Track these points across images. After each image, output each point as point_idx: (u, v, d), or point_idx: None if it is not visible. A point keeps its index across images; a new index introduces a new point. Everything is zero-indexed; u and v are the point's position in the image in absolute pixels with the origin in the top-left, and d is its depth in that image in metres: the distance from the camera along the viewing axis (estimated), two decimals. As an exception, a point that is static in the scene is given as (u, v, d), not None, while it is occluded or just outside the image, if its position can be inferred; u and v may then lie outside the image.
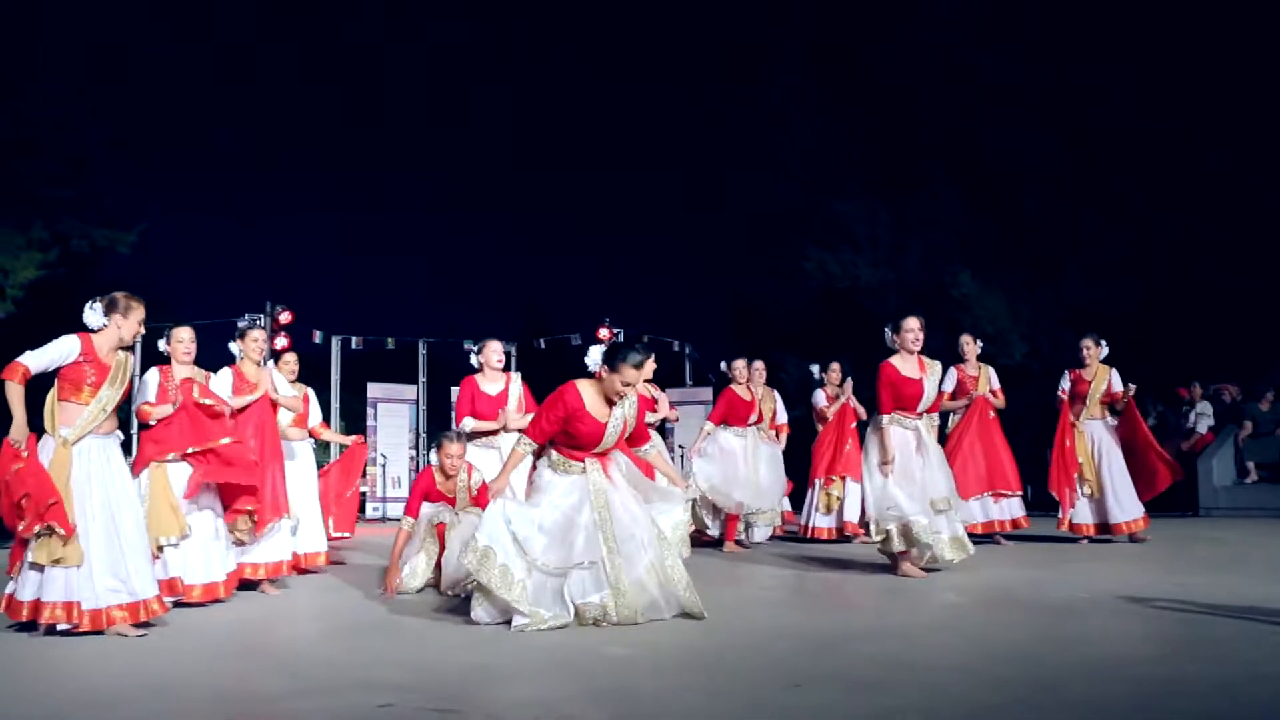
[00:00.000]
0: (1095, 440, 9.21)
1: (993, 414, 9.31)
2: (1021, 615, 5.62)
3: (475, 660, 4.70)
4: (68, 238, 17.70)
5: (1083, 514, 9.12)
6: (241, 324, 7.39)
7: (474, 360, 7.84)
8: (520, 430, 6.57)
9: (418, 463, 16.01)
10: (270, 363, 8.01)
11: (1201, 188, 17.29)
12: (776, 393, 9.93)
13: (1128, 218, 17.88)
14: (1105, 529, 9.09)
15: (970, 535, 8.11)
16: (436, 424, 15.83)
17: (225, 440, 6.18)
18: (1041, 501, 10.08)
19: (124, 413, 5.85)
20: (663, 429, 8.89)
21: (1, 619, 5.52)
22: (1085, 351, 9.25)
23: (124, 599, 5.34)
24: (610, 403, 5.54)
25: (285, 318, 14.23)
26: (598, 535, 5.43)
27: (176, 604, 5.98)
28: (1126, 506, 9.07)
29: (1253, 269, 16.67)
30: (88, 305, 5.53)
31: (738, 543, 9.12)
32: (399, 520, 7.32)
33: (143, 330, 5.68)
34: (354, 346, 15.52)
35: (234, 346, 7.20)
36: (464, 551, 5.45)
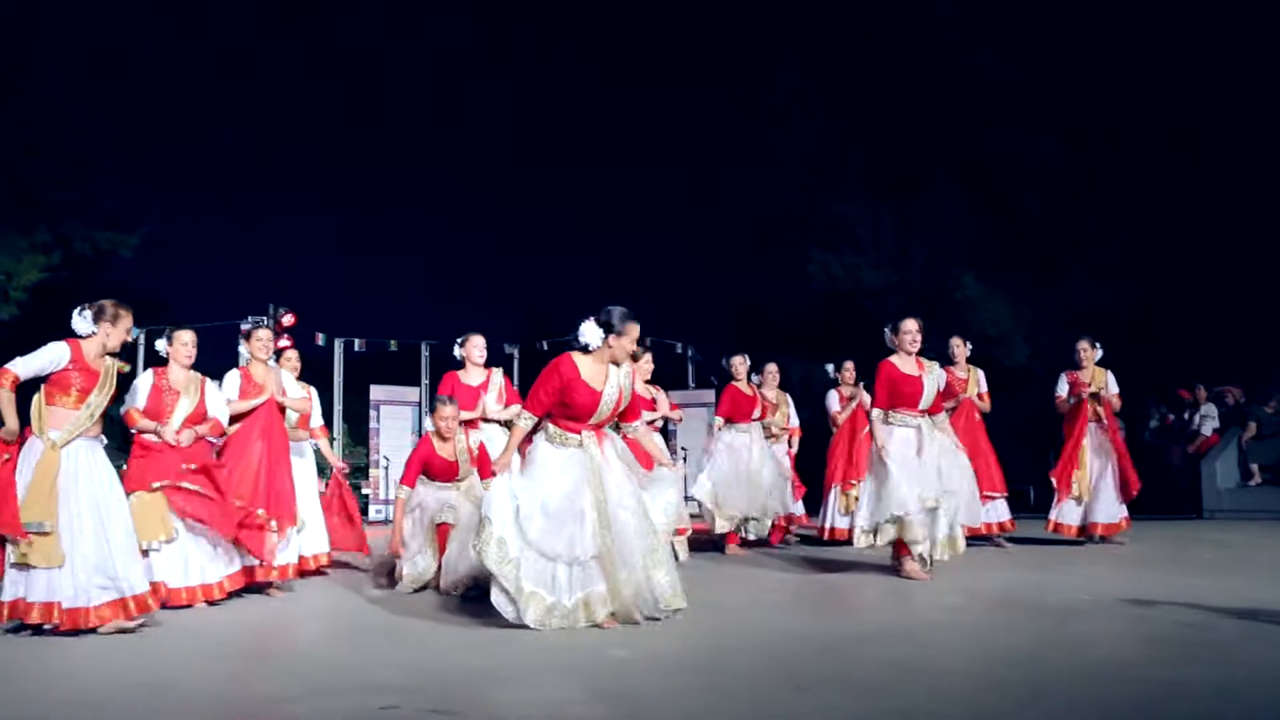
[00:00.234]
0: (1092, 443, 9.26)
1: (978, 416, 9.34)
2: (1024, 617, 5.62)
3: (478, 662, 4.70)
4: (71, 240, 17.72)
5: (1069, 515, 9.14)
6: (246, 325, 7.34)
7: (457, 353, 7.94)
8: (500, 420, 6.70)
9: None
10: (273, 363, 7.97)
11: (1203, 188, 17.26)
12: (788, 395, 9.92)
13: (1130, 219, 17.85)
14: (1084, 530, 9.12)
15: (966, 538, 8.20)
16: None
17: (192, 479, 6.20)
18: (1045, 503, 10.07)
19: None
20: (666, 430, 8.86)
21: None
22: (1081, 354, 9.31)
23: (112, 595, 5.38)
24: (605, 374, 5.62)
25: (288, 320, 14.23)
26: (597, 528, 5.43)
27: (162, 606, 5.98)
28: (1109, 509, 9.12)
29: (1256, 270, 16.65)
30: (76, 312, 5.60)
31: (742, 543, 9.10)
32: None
33: (130, 338, 5.76)
34: (357, 348, 15.52)
35: (242, 348, 7.17)
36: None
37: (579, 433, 5.60)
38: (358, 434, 16.65)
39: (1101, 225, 18.08)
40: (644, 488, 5.72)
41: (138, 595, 5.47)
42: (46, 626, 5.33)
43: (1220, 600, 5.70)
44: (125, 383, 6.13)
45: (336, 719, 3.68)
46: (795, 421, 9.88)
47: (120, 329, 5.64)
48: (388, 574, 7.41)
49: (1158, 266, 17.60)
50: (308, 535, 7.34)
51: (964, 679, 4.12)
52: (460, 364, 7.92)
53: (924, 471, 7.20)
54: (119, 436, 7.28)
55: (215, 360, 7.29)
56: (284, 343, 13.60)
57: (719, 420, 9.23)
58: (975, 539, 8.77)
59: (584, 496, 5.48)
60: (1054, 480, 9.15)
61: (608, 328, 5.56)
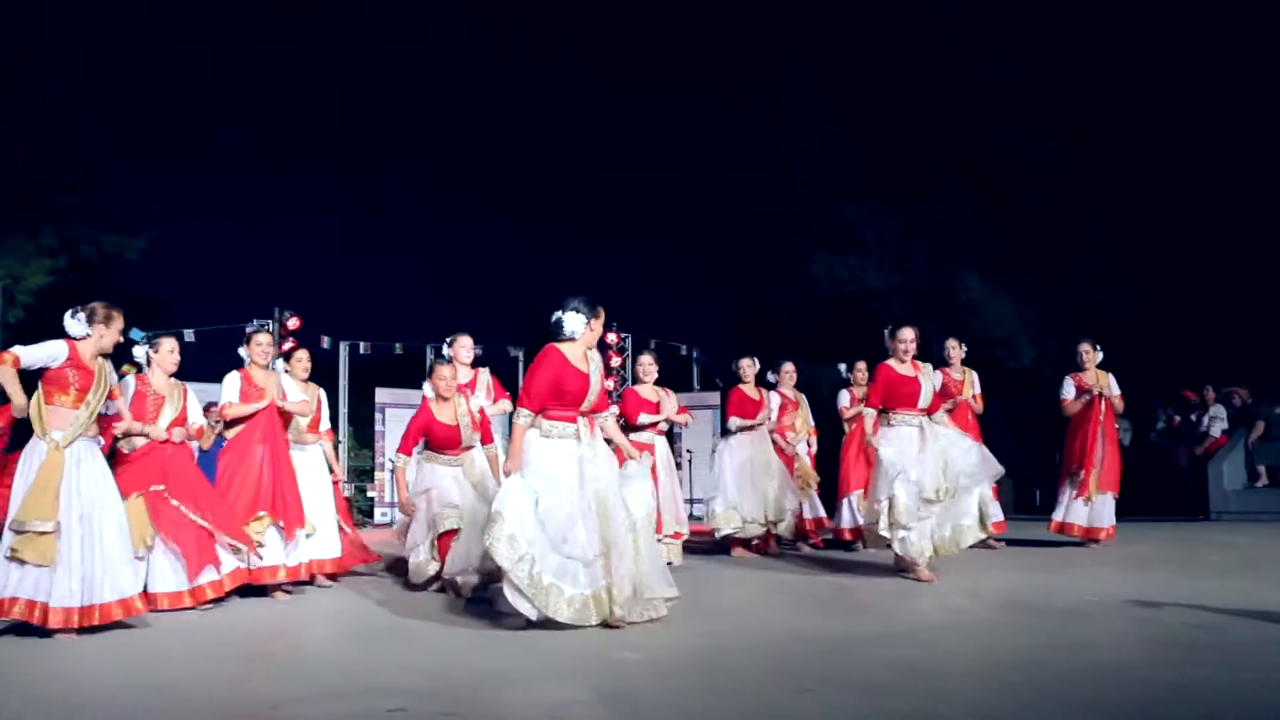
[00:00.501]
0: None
1: (972, 418, 9.34)
2: (1029, 619, 5.61)
3: (484, 664, 4.70)
4: (76, 244, 17.77)
5: (1078, 515, 9.14)
6: (250, 329, 7.33)
7: (445, 353, 7.96)
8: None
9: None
10: (279, 364, 7.97)
11: (1205, 189, 17.24)
12: (804, 396, 9.88)
13: (1133, 220, 17.83)
14: (1089, 531, 9.12)
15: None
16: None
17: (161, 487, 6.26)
18: (1049, 505, 10.06)
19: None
20: (671, 433, 8.83)
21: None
22: (1083, 356, 9.35)
23: (106, 597, 5.47)
24: (588, 360, 5.74)
25: (293, 323, 14.23)
26: (596, 526, 5.48)
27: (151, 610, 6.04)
28: (1106, 514, 9.13)
29: (1260, 270, 16.63)
30: (69, 315, 5.71)
31: (745, 545, 9.07)
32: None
33: (122, 339, 5.86)
34: (362, 351, 15.52)
35: (243, 351, 7.19)
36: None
37: (575, 421, 5.66)
38: (363, 437, 16.63)
39: (1105, 226, 18.06)
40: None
41: (126, 599, 5.55)
42: (35, 624, 5.37)
43: (1227, 602, 5.70)
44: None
45: (342, 721, 3.69)
46: (812, 422, 9.86)
47: (113, 330, 5.75)
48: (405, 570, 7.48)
49: (1162, 267, 17.58)
50: (318, 540, 7.29)
51: (967, 680, 4.12)
52: (448, 362, 7.90)
53: (925, 467, 7.27)
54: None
55: (221, 363, 7.30)
56: (289, 346, 13.66)
57: (735, 422, 9.15)
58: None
59: (586, 492, 5.53)
60: (1072, 479, 9.11)
61: (587, 313, 5.71)
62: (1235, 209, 17.02)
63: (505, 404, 7.94)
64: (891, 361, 7.55)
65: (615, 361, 15.79)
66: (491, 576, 6.03)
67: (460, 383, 7.68)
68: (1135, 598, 5.99)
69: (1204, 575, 7.20)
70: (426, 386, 7.41)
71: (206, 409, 7.26)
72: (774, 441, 9.18)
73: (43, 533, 5.31)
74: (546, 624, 5.35)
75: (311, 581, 7.28)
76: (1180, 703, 3.70)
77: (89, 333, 5.68)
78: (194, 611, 6.24)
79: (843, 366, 10.05)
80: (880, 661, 4.51)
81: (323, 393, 7.89)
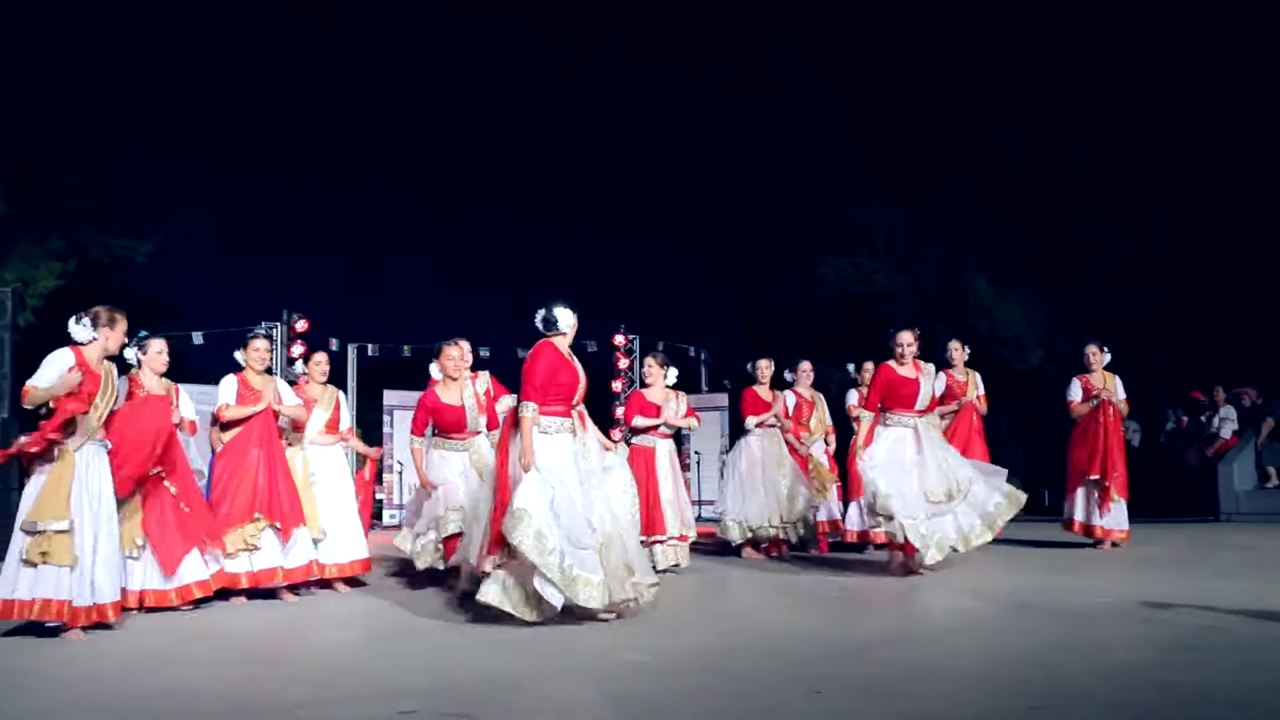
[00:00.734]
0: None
1: (977, 419, 9.33)
2: (1041, 620, 5.59)
3: (496, 666, 4.70)
4: (85, 247, 17.83)
5: (1096, 517, 9.11)
6: (249, 334, 7.34)
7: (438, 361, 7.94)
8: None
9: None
10: (298, 366, 7.98)
11: (1216, 190, 17.21)
12: (821, 396, 9.83)
13: (1143, 222, 17.80)
14: (1109, 534, 9.09)
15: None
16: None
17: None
18: (1057, 507, 10.03)
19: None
20: (678, 435, 8.81)
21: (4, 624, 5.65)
22: (1090, 358, 9.33)
23: (115, 596, 5.63)
24: (571, 355, 5.96)
25: (301, 325, 14.24)
26: (592, 518, 5.63)
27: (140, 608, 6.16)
28: (1124, 518, 9.12)
29: (1270, 271, 16.59)
30: (72, 321, 5.78)
31: (755, 546, 9.02)
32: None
33: (126, 340, 6.01)
34: (370, 354, 15.55)
35: (240, 355, 7.21)
36: (506, 518, 5.52)
37: (569, 415, 5.84)
38: (371, 439, 16.68)
39: (1114, 227, 18.03)
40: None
41: (118, 600, 5.69)
42: (50, 624, 5.45)
43: (1238, 603, 5.67)
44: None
45: (353, 723, 3.69)
46: (829, 421, 9.80)
47: (118, 332, 5.87)
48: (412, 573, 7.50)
49: (1170, 268, 17.55)
50: (339, 543, 7.28)
51: (978, 682, 4.11)
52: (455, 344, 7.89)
53: (925, 470, 7.38)
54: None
55: (230, 365, 7.30)
56: (298, 349, 13.67)
57: (752, 420, 9.07)
58: None
59: (586, 486, 5.69)
60: (1093, 486, 9.08)
61: (572, 310, 5.95)
62: (1246, 210, 16.98)
63: (507, 400, 7.91)
64: (892, 362, 7.66)
65: (623, 363, 15.77)
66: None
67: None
68: (1146, 599, 5.97)
69: (1215, 576, 7.17)
70: (434, 368, 7.40)
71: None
72: (788, 442, 9.13)
73: (59, 531, 5.41)
74: (547, 620, 5.49)
75: (330, 586, 7.28)
76: (1191, 705, 3.68)
77: (95, 337, 5.77)
78: (190, 612, 6.29)
79: (851, 367, 10.02)
80: (891, 663, 4.50)
81: (342, 394, 7.88)
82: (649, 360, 8.53)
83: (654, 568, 7.62)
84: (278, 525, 6.76)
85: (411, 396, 16.79)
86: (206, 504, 6.61)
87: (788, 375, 9.56)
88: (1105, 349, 9.35)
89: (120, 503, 5.94)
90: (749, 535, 8.91)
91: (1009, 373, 17.06)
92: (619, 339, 15.87)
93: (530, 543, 5.40)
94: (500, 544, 5.61)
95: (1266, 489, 12.72)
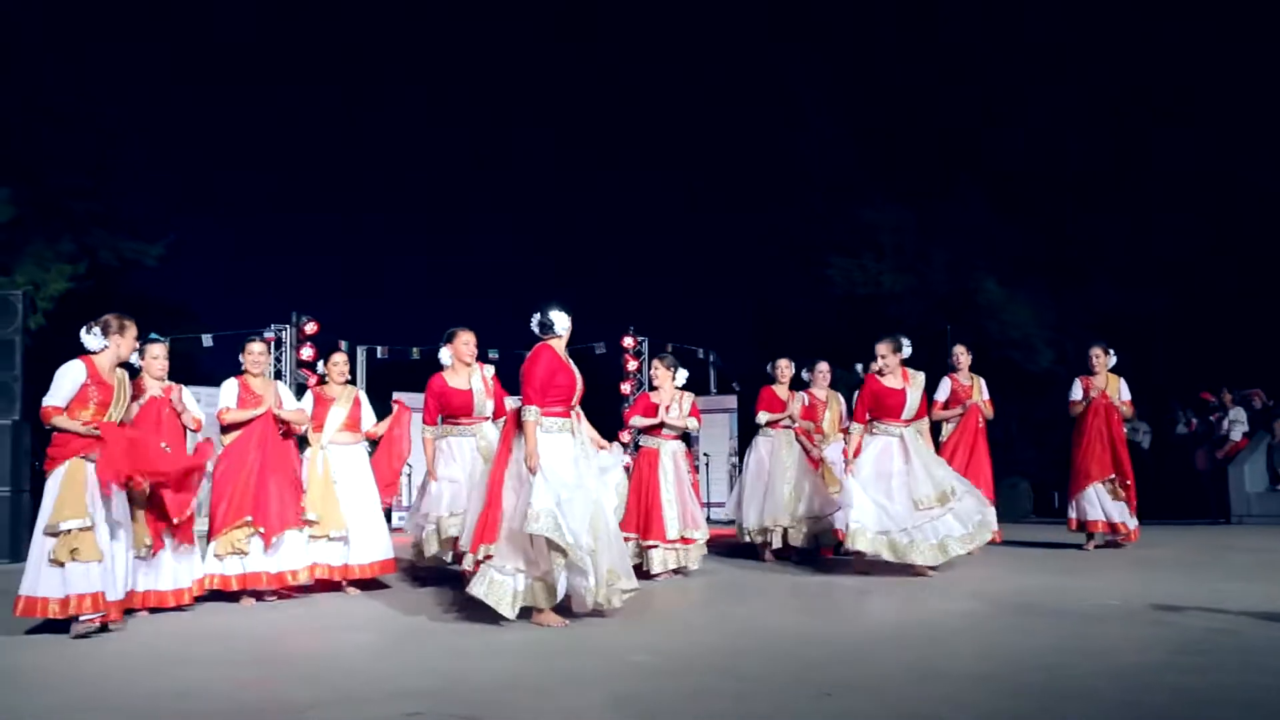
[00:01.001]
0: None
1: (982, 423, 9.33)
2: (1049, 622, 5.58)
3: (503, 667, 4.71)
4: (95, 250, 17.88)
5: (1111, 511, 9.12)
6: (269, 334, 7.36)
7: (446, 349, 7.94)
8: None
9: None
10: (319, 366, 8.02)
11: (1225, 191, 17.16)
12: (840, 395, 9.80)
13: (1152, 223, 17.76)
14: (1115, 530, 9.12)
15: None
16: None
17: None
18: (1065, 508, 10.01)
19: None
20: (686, 437, 8.77)
21: (18, 624, 5.74)
22: (1094, 360, 9.37)
23: (120, 596, 5.75)
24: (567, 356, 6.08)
25: (311, 328, 14.25)
26: (589, 520, 5.69)
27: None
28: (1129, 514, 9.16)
29: (1276, 272, 16.54)
30: (84, 331, 5.91)
31: (764, 547, 8.96)
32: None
33: (137, 346, 6.10)
34: (379, 356, 15.56)
35: (242, 358, 7.25)
36: (527, 520, 5.56)
37: (568, 416, 5.92)
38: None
39: (1124, 228, 17.99)
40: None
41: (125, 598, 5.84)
42: (83, 617, 5.55)
43: (1248, 605, 5.66)
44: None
45: (361, 725, 3.69)
46: (847, 421, 9.77)
47: (128, 339, 5.97)
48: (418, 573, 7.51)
49: (1180, 269, 17.49)
50: (361, 544, 7.30)
51: (986, 683, 4.10)
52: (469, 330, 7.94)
53: (914, 478, 7.53)
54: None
55: (239, 367, 7.33)
56: (308, 352, 13.69)
57: (763, 416, 9.05)
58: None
59: (584, 489, 5.75)
60: (1111, 485, 9.10)
61: (568, 313, 6.05)
62: (1256, 211, 16.93)
63: (509, 401, 7.91)
64: (878, 373, 7.83)
65: (632, 365, 15.76)
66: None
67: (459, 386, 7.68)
68: (1155, 601, 5.96)
69: (1225, 578, 7.16)
70: (445, 355, 7.41)
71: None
72: (801, 444, 9.08)
73: (83, 529, 5.54)
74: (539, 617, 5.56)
75: (337, 588, 7.30)
76: (1200, 707, 3.67)
77: (106, 345, 5.88)
78: (197, 613, 6.37)
79: (859, 367, 9.99)
80: (899, 665, 4.50)
81: (362, 393, 7.90)
82: (655, 363, 8.52)
83: (649, 572, 7.70)
84: (261, 530, 6.79)
85: (421, 398, 16.90)
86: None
87: (805, 375, 9.53)
88: (1110, 351, 9.38)
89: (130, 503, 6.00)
90: (753, 537, 8.88)
91: (1019, 374, 17.02)
92: (627, 341, 15.85)
93: (557, 535, 5.49)
94: (482, 540, 5.70)
95: (1278, 491, 12.68)
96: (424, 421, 7.46)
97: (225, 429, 7.01)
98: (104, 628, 5.66)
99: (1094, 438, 9.15)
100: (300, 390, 9.34)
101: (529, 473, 5.65)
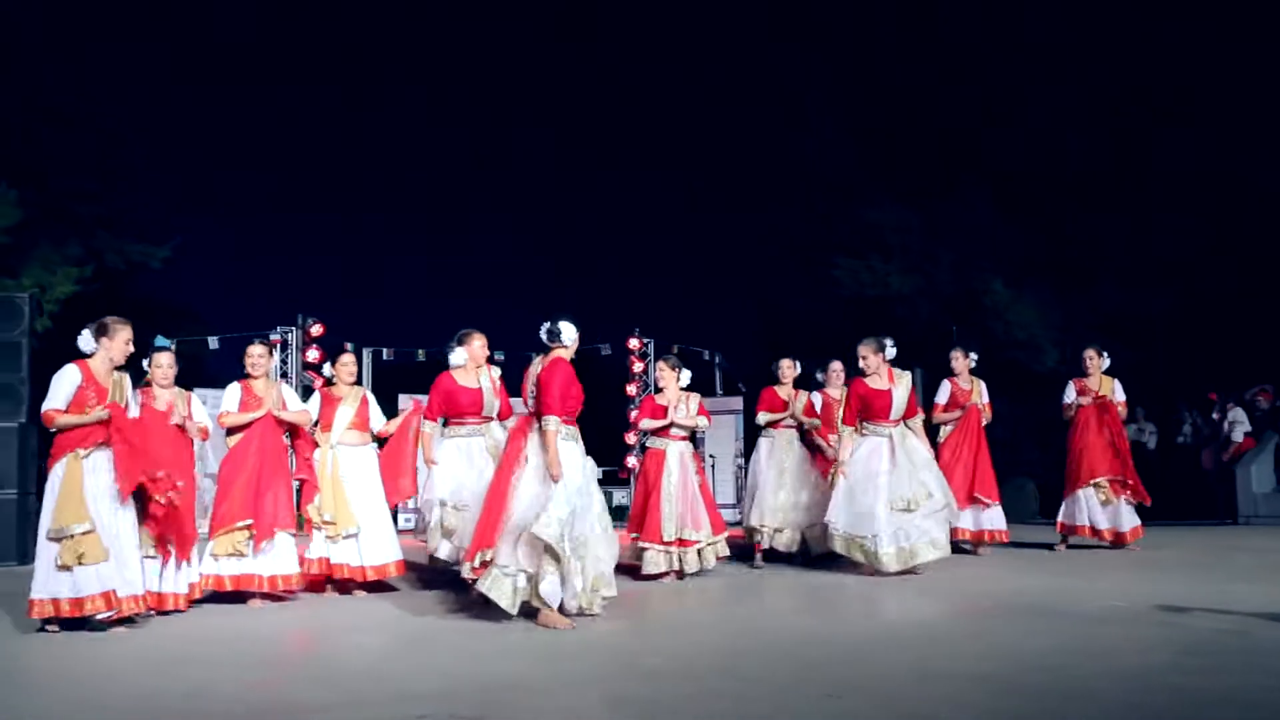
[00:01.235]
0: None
1: (982, 423, 9.34)
2: (1055, 623, 5.57)
3: (509, 669, 4.72)
4: (102, 253, 17.92)
5: (1098, 518, 9.13)
6: (274, 336, 7.39)
7: (458, 349, 7.94)
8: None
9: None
10: (325, 368, 8.04)
11: (1228, 191, 17.12)
12: None
13: (1160, 224, 17.72)
14: (1118, 535, 9.09)
15: (961, 542, 8.87)
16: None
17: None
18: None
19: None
20: (695, 438, 8.76)
21: (24, 624, 5.82)
22: (1088, 362, 9.40)
23: (134, 592, 5.82)
24: None
25: (317, 330, 14.26)
26: (588, 527, 5.87)
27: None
28: (1131, 516, 9.13)
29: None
30: (80, 335, 5.99)
31: (765, 555, 8.85)
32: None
33: (130, 349, 6.08)
34: (385, 358, 15.56)
35: (244, 361, 7.28)
36: (539, 524, 5.66)
37: (575, 424, 6.06)
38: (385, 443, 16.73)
39: (1128, 230, 17.96)
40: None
41: (138, 595, 5.86)
42: (99, 616, 5.66)
43: (1254, 606, 5.65)
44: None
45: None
46: None
47: (118, 341, 5.98)
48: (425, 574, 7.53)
49: (1189, 272, 17.45)
50: (370, 545, 7.30)
51: (992, 684, 4.09)
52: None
53: (896, 478, 7.68)
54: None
55: (243, 371, 7.35)
56: (313, 354, 13.70)
57: (763, 416, 8.97)
58: (962, 544, 8.98)
59: (587, 497, 5.90)
60: (1120, 485, 9.11)
61: (574, 326, 6.15)
62: (1257, 210, 16.90)
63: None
64: (866, 377, 7.95)
65: (638, 367, 15.75)
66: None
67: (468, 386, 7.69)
68: (1162, 602, 5.95)
69: (1232, 579, 7.14)
70: (457, 354, 7.40)
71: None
72: (816, 445, 8.98)
73: (86, 532, 5.63)
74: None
75: (346, 590, 7.31)
76: (1206, 708, 3.67)
77: (97, 347, 5.94)
78: (204, 613, 6.40)
79: (819, 375, 9.98)
80: (901, 665, 4.50)
81: (370, 394, 7.92)
82: (660, 365, 8.51)
83: (643, 573, 7.79)
84: (254, 532, 6.82)
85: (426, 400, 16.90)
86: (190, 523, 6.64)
87: (819, 376, 9.50)
88: (1104, 353, 9.42)
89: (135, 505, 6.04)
90: (755, 538, 8.83)
91: (1025, 375, 17.00)
92: (633, 343, 15.83)
93: (559, 545, 5.60)
94: (481, 546, 5.76)
95: (1285, 491, 12.64)
96: (425, 416, 7.47)
97: (229, 432, 7.07)
98: (130, 620, 5.77)
99: (1095, 438, 9.14)
100: (307, 392, 9.35)
101: (552, 480, 5.73)
